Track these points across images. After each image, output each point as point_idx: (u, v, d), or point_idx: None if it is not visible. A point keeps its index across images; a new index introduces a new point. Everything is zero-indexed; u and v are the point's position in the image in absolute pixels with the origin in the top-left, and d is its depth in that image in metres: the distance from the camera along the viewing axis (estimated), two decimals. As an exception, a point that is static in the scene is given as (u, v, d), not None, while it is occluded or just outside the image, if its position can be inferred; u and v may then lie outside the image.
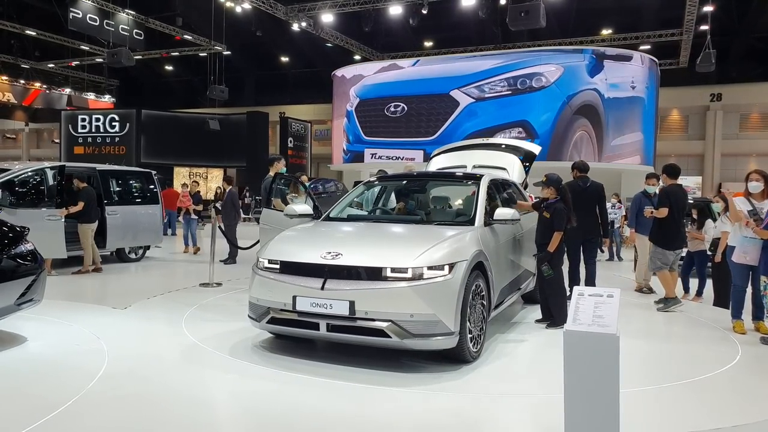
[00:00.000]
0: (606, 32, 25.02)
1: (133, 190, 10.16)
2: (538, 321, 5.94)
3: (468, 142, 8.25)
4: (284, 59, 31.50)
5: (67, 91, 30.69)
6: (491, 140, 8.11)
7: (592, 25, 24.83)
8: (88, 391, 3.67)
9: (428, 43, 27.34)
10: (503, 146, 7.67)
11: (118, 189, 9.80)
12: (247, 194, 20.51)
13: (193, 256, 11.10)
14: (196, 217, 11.68)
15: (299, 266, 4.37)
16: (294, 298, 4.25)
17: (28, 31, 24.49)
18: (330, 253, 4.31)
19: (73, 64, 29.63)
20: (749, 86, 26.19)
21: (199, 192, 12.58)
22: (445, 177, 6.30)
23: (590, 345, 2.72)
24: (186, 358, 4.53)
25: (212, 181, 24.94)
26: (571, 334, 2.77)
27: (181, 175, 24.61)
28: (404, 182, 6.21)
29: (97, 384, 3.80)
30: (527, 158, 7.40)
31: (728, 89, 26.74)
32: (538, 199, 6.18)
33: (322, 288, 4.17)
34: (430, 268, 4.17)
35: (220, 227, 8.61)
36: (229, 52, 24.95)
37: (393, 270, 4.15)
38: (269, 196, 6.30)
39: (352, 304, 4.10)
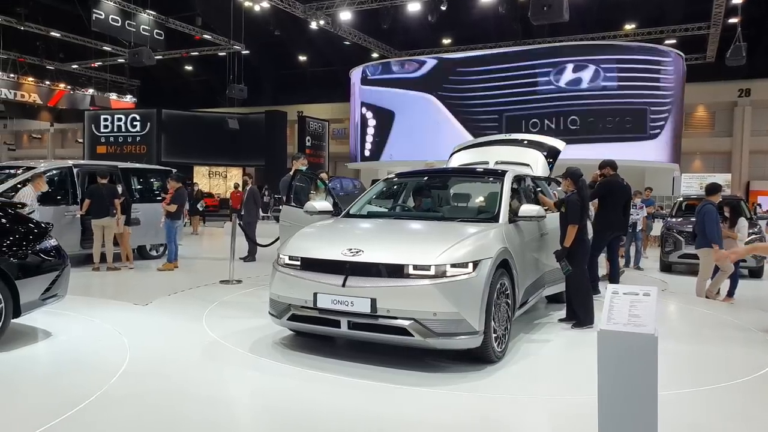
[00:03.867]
0: (629, 27, 24.50)
1: (154, 188, 10.23)
2: (561, 320, 5.80)
3: (489, 138, 8.10)
4: (302, 58, 31.63)
5: (91, 91, 31.24)
6: (513, 136, 7.94)
7: (615, 19, 24.33)
8: (110, 387, 3.66)
9: (446, 40, 27.16)
10: (525, 142, 7.53)
11: (139, 187, 9.89)
12: (266, 193, 20.60)
13: (215, 253, 11.07)
14: (169, 220, 8.69)
15: (320, 263, 4.31)
16: (315, 295, 4.19)
17: (53, 33, 24.97)
18: (351, 249, 4.24)
19: (96, 64, 30.14)
20: (780, 81, 25.44)
21: (181, 188, 9.05)
22: (468, 173, 6.19)
23: (626, 346, 2.60)
24: (207, 354, 4.50)
25: (231, 179, 25.12)
26: (606, 334, 2.65)
27: (200, 174, 24.87)
28: (426, 179, 6.11)
29: (119, 380, 3.79)
30: (551, 154, 7.25)
31: (757, 84, 26.02)
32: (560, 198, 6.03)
33: (344, 285, 4.10)
34: (453, 265, 4.07)
35: (240, 225, 8.59)
36: (247, 52, 25.09)
37: (415, 267, 4.06)
38: (289, 194, 6.26)
39: (373, 301, 4.02)
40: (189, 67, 33.43)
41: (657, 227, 12.45)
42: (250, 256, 10.00)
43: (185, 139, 24.59)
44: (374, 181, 19.94)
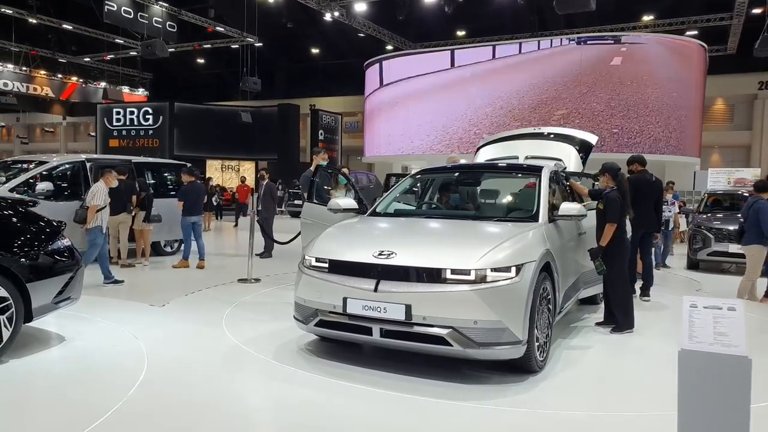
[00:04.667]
0: (647, 18, 23.86)
1: (168, 182, 10.00)
2: (598, 323, 5.52)
3: (517, 131, 7.76)
4: (315, 51, 31.28)
5: (103, 84, 31.13)
6: (542, 129, 7.59)
7: (633, 10, 23.71)
8: (128, 401, 3.40)
9: (461, 33, 26.65)
10: (551, 136, 7.19)
11: (152, 181, 9.65)
12: (280, 187, 20.37)
13: (229, 249, 10.82)
14: (182, 216, 8.30)
15: (350, 266, 4.02)
16: (344, 300, 3.92)
17: (65, 25, 24.81)
18: (383, 252, 3.95)
19: (108, 57, 29.99)
20: (802, 73, 24.71)
21: (191, 183, 8.49)
22: (501, 169, 5.86)
23: (714, 368, 2.28)
24: (229, 362, 4.24)
25: (244, 173, 24.88)
26: (689, 354, 2.33)
27: (213, 168, 24.68)
28: (456, 174, 5.79)
29: (137, 392, 3.54)
30: (582, 148, 6.91)
31: (778, 77, 25.36)
32: (597, 189, 5.71)
33: (376, 290, 3.83)
34: (494, 269, 3.77)
35: (258, 221, 8.33)
36: (260, 44, 24.80)
37: (453, 272, 3.77)
38: (311, 190, 5.96)
39: (408, 308, 3.74)
40: (201, 60, 33.20)
41: (682, 223, 12.06)
42: (267, 253, 9.75)
43: (198, 132, 24.37)
44: (389, 176, 19.50)
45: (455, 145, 21.13)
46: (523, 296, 3.79)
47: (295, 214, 18.65)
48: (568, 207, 4.71)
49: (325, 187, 6.66)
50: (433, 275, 3.79)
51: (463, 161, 7.62)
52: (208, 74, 35.22)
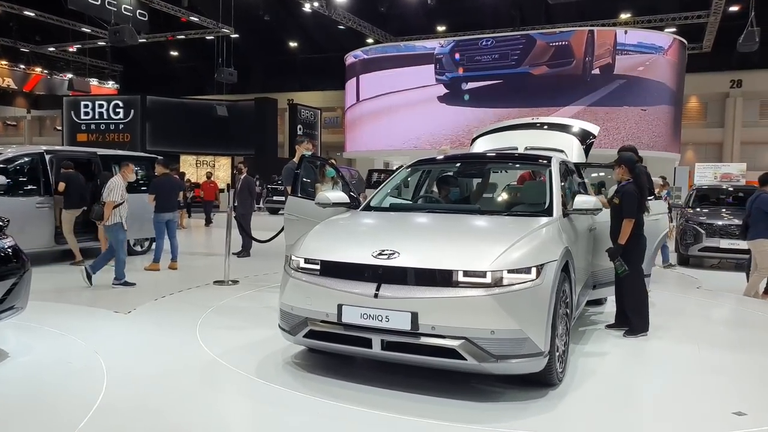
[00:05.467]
0: (625, 16, 23.86)
1: (138, 177, 9.26)
2: (609, 326, 5.14)
3: (514, 121, 7.32)
4: (293, 44, 30.51)
5: (69, 76, 29.74)
6: (540, 119, 7.17)
7: (611, 7, 23.70)
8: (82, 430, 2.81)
9: (441, 27, 26.23)
10: (547, 126, 6.78)
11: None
12: (257, 182, 19.63)
13: (204, 248, 10.15)
14: (154, 213, 7.75)
15: (345, 267, 3.50)
16: (339, 307, 3.39)
17: (27, 12, 23.49)
18: (383, 251, 3.43)
19: (74, 47, 28.62)
20: (770, 73, 25.18)
21: (163, 176, 8.00)
22: (508, 159, 5.39)
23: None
24: (204, 380, 3.66)
25: (220, 169, 23.99)
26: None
27: (187, 164, 23.76)
28: (458, 165, 5.31)
29: (94, 419, 2.94)
30: (582, 139, 6.52)
31: (749, 75, 25.95)
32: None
33: (376, 295, 3.31)
34: (511, 271, 3.29)
35: (236, 218, 7.70)
36: (237, 36, 23.92)
37: (466, 274, 3.27)
38: (295, 183, 5.39)
39: (414, 316, 3.24)
40: (174, 53, 32.06)
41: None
42: (245, 251, 9.14)
43: (171, 127, 23.39)
44: (371, 171, 18.89)
45: (442, 141, 20.61)
46: (545, 301, 3.33)
47: (274, 211, 18.02)
48: (583, 200, 4.26)
49: (307, 180, 6.10)
50: (443, 278, 3.30)
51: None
52: (182, 67, 34.05)
